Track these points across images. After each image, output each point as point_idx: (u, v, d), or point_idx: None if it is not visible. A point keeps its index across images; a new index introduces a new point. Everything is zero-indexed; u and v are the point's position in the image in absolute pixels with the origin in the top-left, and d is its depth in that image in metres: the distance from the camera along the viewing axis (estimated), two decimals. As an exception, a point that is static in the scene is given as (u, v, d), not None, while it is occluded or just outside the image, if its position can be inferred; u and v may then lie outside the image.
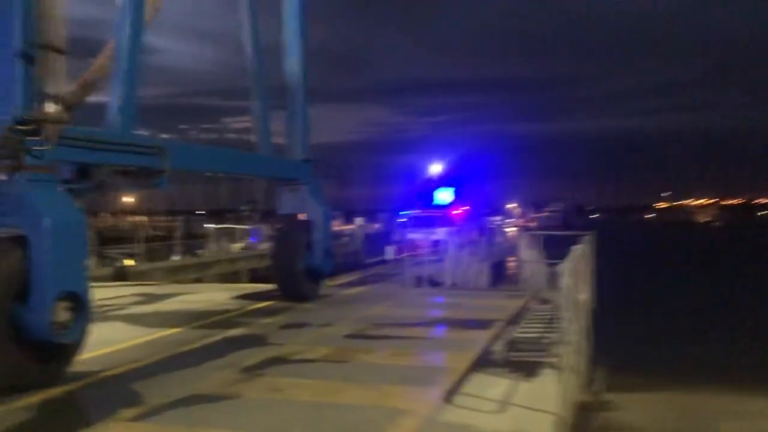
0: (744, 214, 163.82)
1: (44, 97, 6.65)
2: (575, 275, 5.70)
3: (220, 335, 9.31)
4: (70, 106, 10.24)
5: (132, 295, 14.10)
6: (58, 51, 6.75)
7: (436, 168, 50.40)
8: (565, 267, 5.20)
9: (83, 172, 7.70)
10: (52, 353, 6.62)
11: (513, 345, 7.64)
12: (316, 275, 12.86)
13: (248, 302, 12.56)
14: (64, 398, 6.36)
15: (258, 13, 12.59)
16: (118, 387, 6.69)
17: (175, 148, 8.90)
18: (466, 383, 6.66)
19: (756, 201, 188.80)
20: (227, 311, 11.52)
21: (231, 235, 36.96)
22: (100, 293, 14.39)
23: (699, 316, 26.03)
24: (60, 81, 6.82)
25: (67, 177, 7.47)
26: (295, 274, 12.27)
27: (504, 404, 6.03)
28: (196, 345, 8.66)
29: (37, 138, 6.52)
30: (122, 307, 12.35)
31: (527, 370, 7.10)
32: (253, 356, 7.85)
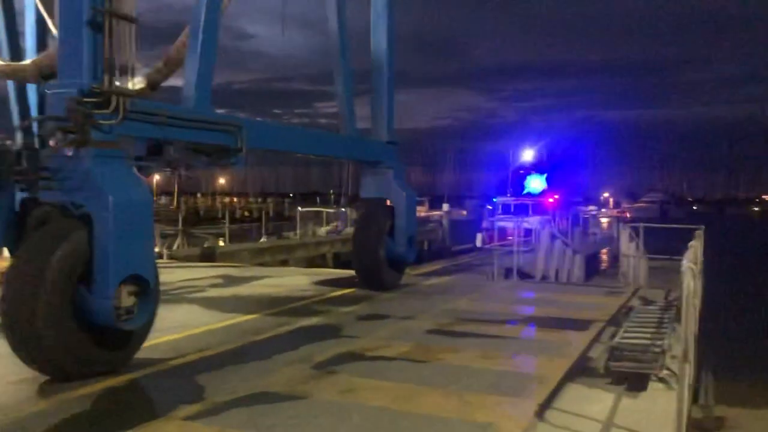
0: None
1: (113, 68, 6.26)
2: (697, 277, 4.79)
3: (295, 324, 8.85)
4: (154, 84, 10.04)
5: (214, 276, 13.98)
6: (128, 19, 6.35)
7: (528, 154, 48.81)
8: (689, 268, 4.31)
9: (154, 148, 7.34)
10: (117, 340, 6.29)
11: (615, 352, 6.74)
12: (398, 263, 12.24)
13: (328, 289, 12.10)
14: (125, 388, 6.01)
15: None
16: (183, 378, 6.30)
17: (252, 126, 8.44)
18: (562, 395, 5.85)
19: None
20: (306, 298, 11.09)
21: (318, 218, 37.11)
22: (184, 274, 14.39)
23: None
24: (130, 51, 6.42)
25: (137, 153, 7.14)
26: (376, 262, 11.69)
27: (606, 424, 5.21)
28: (270, 334, 8.22)
29: (104, 111, 6.16)
30: (202, 289, 12.17)
31: (632, 382, 6.20)
32: (327, 350, 7.31)
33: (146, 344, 6.89)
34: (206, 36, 8.01)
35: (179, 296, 11.30)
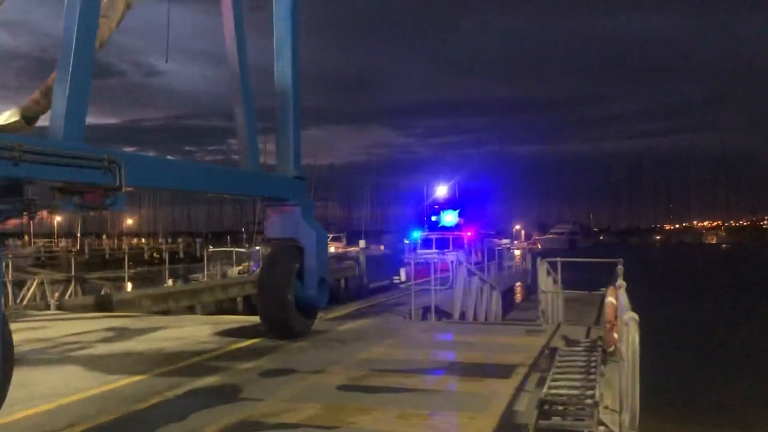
0: (752, 235, 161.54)
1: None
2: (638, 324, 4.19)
3: (187, 386, 7.76)
4: (31, 117, 8.85)
5: (104, 329, 12.60)
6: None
7: (441, 190, 49.14)
8: (634, 318, 3.71)
9: (11, 188, 6.22)
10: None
11: (544, 406, 6.09)
12: (308, 308, 11.31)
13: (230, 340, 11.02)
14: (-41, 487, 4.84)
15: (242, 16, 11.16)
16: (37, 468, 5.17)
17: (133, 161, 7.42)
18: (490, 464, 5.11)
19: (761, 222, 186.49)
20: (204, 352, 9.98)
21: (230, 259, 35.63)
22: (71, 327, 12.95)
23: (721, 351, 24.48)
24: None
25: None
26: (284, 308, 10.72)
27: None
28: (156, 400, 7.12)
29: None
30: (87, 345, 10.84)
31: (565, 441, 5.55)
32: (219, 418, 6.30)
33: (4, 421, 5.73)
34: (78, 62, 7.03)
35: (60, 355, 9.99)
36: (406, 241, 45.73)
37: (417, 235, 42.30)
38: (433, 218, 44.94)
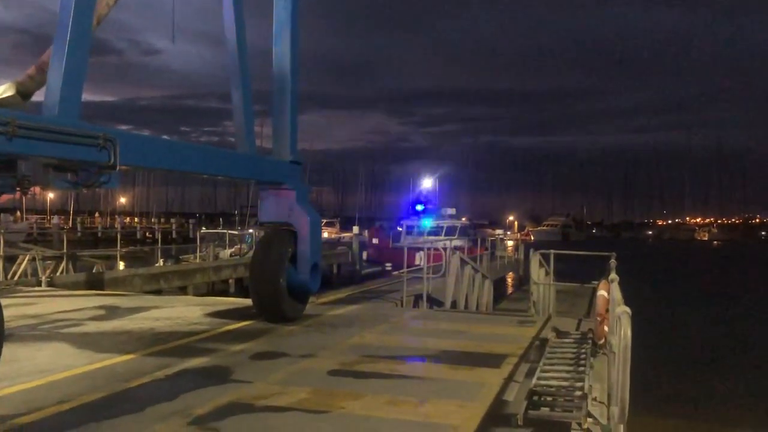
0: (744, 232, 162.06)
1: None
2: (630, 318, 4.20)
3: (177, 366, 7.76)
4: (26, 92, 8.78)
5: (95, 307, 12.60)
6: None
7: (435, 179, 49.31)
8: (627, 312, 3.71)
9: (5, 164, 6.18)
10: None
11: (534, 397, 6.11)
12: (300, 293, 11.31)
13: (221, 322, 11.01)
14: (-54, 460, 4.83)
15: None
16: (25, 444, 5.17)
17: (128, 140, 7.36)
18: (477, 452, 5.13)
19: (753, 220, 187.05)
20: (195, 333, 9.97)
21: (222, 240, 35.61)
22: (62, 304, 12.94)
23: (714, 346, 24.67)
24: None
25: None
26: (276, 292, 10.72)
27: (528, 488, 4.52)
28: (145, 380, 7.12)
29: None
30: (78, 323, 10.82)
31: (553, 432, 5.57)
32: (210, 400, 6.31)
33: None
34: (75, 38, 6.95)
35: (50, 332, 9.97)
36: (399, 228, 45.93)
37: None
38: (419, 208, 45.59)
